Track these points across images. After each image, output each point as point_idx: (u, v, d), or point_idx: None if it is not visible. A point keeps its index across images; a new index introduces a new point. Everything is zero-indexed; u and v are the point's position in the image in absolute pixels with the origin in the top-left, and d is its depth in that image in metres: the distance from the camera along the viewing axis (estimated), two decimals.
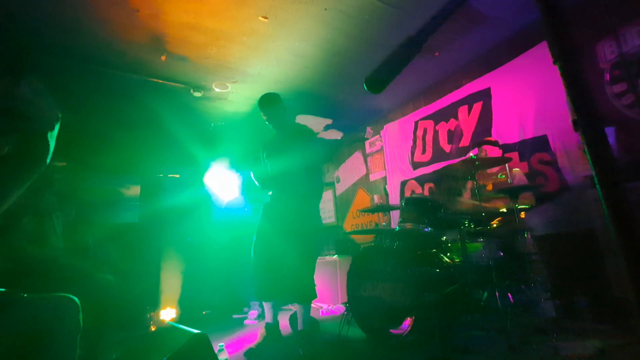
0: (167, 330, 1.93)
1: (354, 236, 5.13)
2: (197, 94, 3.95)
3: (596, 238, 2.33)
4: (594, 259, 2.35)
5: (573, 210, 2.72)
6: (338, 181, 6.03)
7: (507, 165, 2.73)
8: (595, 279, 2.33)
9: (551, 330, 1.91)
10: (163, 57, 3.32)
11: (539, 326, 2.03)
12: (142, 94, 3.87)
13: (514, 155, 3.26)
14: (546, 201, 2.90)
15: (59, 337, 0.88)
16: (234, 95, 4.11)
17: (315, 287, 2.48)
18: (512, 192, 2.31)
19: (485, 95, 3.66)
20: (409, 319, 2.14)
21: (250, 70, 3.65)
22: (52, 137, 0.85)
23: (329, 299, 4.30)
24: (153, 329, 2.81)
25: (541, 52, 3.10)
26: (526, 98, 3.25)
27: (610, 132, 2.49)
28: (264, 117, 2.62)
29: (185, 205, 4.76)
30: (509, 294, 2.10)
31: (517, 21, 3.17)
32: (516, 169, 2.85)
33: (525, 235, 2.33)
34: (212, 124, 4.74)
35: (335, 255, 4.43)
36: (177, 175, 4.92)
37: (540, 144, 3.09)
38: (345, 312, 2.61)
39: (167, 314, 3.95)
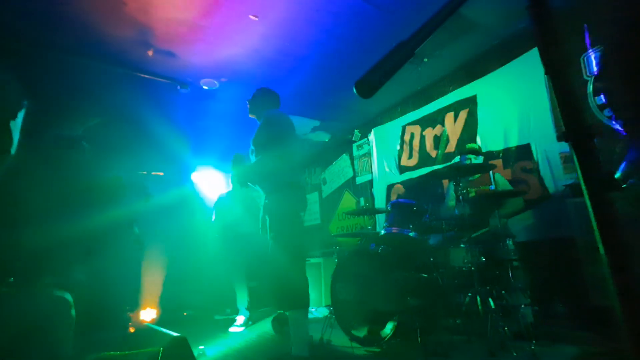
0: (145, 332, 1.88)
1: (339, 239, 5.13)
2: (184, 91, 3.87)
3: (575, 246, 2.39)
4: (572, 266, 2.41)
5: (553, 218, 2.79)
6: (324, 183, 6.02)
7: (491, 172, 2.79)
8: (573, 286, 2.39)
9: (530, 336, 1.95)
10: (150, 52, 3.25)
11: (518, 331, 2.07)
12: (127, 88, 3.77)
13: (498, 163, 3.33)
14: (528, 208, 2.97)
15: (57, 329, 0.86)
16: (223, 93, 4.05)
17: (303, 291, 2.16)
18: (494, 199, 2.35)
19: (471, 103, 3.73)
20: (391, 322, 2.14)
21: (240, 69, 3.61)
22: (15, 126, 0.80)
23: (312, 301, 4.27)
24: (131, 330, 2.72)
25: (526, 62, 3.18)
26: (511, 106, 3.32)
27: None
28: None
29: (169, 204, 4.66)
30: (490, 299, 2.13)
31: (505, 30, 3.23)
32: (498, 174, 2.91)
33: (507, 241, 2.37)
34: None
35: (320, 258, 4.42)
36: (161, 173, 4.80)
37: (523, 152, 3.17)
38: (329, 315, 2.59)
39: (147, 314, 3.85)
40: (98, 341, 2.07)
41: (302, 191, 2.30)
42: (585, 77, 2.74)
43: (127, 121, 4.42)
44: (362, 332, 2.33)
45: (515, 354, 1.81)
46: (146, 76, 3.62)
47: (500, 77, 3.45)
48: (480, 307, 2.09)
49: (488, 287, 2.20)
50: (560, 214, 2.71)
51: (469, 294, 2.19)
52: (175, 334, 1.39)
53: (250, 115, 2.50)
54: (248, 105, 2.48)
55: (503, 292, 2.24)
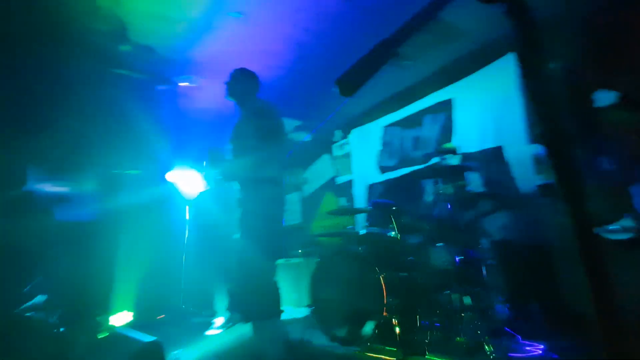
0: (117, 337, 1.80)
1: (319, 239, 5.13)
2: (163, 88, 3.76)
3: (547, 245, 2.49)
4: (544, 265, 2.51)
5: (525, 218, 2.90)
6: (305, 183, 6.00)
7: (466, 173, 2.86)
8: (545, 284, 2.48)
9: (504, 334, 2.01)
10: (125, 47, 3.13)
11: (494, 329, 2.13)
12: (101, 84, 3.61)
13: (474, 164, 3.42)
14: (502, 208, 3.07)
15: None
16: (203, 91, 3.96)
17: (274, 299, 2.02)
18: (471, 199, 2.42)
19: (448, 105, 3.83)
20: (371, 322, 2.16)
21: (220, 67, 3.53)
22: None
23: (293, 302, 4.25)
24: (102, 336, 2.60)
25: (499, 67, 3.29)
26: (485, 110, 3.43)
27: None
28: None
29: (146, 203, 4.50)
30: (467, 298, 2.19)
31: (482, 36, 3.33)
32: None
33: (483, 241, 2.44)
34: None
35: (301, 258, 4.39)
36: (137, 172, 4.64)
37: (497, 154, 3.28)
38: (309, 315, 2.58)
39: (120, 318, 3.70)
40: (65, 348, 1.97)
41: (283, 189, 2.22)
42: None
43: (101, 118, 4.24)
44: (342, 332, 2.33)
45: (490, 351, 1.86)
46: (122, 72, 3.49)
47: (476, 82, 3.55)
48: (457, 306, 2.14)
49: (465, 286, 2.25)
50: (532, 214, 2.82)
51: (447, 293, 2.24)
52: (148, 339, 1.34)
53: (228, 98, 2.32)
54: (227, 87, 2.31)
55: (479, 290, 2.30)
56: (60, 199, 4.15)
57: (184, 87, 3.84)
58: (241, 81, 2.30)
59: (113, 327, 3.50)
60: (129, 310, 4.01)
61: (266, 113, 2.16)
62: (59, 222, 3.93)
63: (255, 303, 1.96)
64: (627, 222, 0.78)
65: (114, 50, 3.14)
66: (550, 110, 0.42)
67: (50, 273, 3.02)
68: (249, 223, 2.07)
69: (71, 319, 3.16)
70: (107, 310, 3.88)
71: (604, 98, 0.86)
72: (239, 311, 2.20)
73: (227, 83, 2.32)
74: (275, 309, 2.02)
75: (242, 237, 2.08)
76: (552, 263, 2.44)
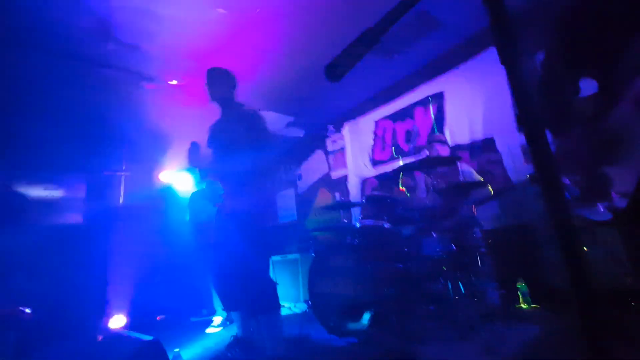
0: (115, 338, 1.80)
1: (315, 234, 5.15)
2: (150, 86, 3.71)
3: (536, 231, 2.54)
4: (534, 251, 2.57)
5: (516, 206, 2.95)
6: (300, 179, 6.01)
7: (458, 164, 2.90)
8: (534, 268, 2.55)
9: (496, 318, 2.06)
10: (110, 44, 3.08)
11: (487, 314, 2.18)
12: (87, 83, 3.56)
13: (465, 155, 3.46)
14: (493, 198, 3.12)
15: None
16: (191, 88, 3.92)
17: (273, 293, 2.06)
18: (462, 190, 2.45)
19: (439, 98, 3.85)
20: (368, 313, 2.19)
21: (208, 63, 3.49)
22: None
23: (290, 297, 4.28)
24: (100, 339, 2.59)
25: (489, 58, 3.32)
26: (475, 101, 3.46)
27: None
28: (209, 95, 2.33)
29: (137, 204, 4.47)
30: (460, 285, 2.23)
31: (469, 28, 3.36)
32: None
33: (475, 229, 2.48)
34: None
35: (297, 253, 4.42)
36: (128, 173, 4.60)
37: (488, 144, 3.32)
38: (307, 310, 2.61)
39: (117, 321, 3.69)
40: (63, 352, 1.96)
41: (269, 189, 2.25)
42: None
43: (88, 118, 4.18)
44: (340, 324, 2.36)
45: (483, 335, 1.90)
46: (107, 70, 3.44)
47: (466, 73, 3.58)
48: (451, 293, 2.18)
49: (458, 274, 2.30)
50: (522, 202, 2.87)
51: (441, 281, 2.28)
52: (147, 338, 1.35)
53: (212, 102, 2.31)
54: (208, 91, 2.30)
55: (472, 277, 2.35)
56: (47, 203, 4.11)
57: (173, 85, 3.80)
58: (219, 81, 2.30)
59: (111, 329, 3.50)
60: (125, 313, 4.00)
61: (249, 114, 2.20)
62: (48, 227, 3.89)
63: (253, 300, 1.99)
64: (604, 203, 0.81)
65: (97, 49, 3.09)
66: (528, 99, 0.44)
67: (41, 279, 3.00)
68: (239, 223, 2.07)
69: (68, 323, 3.15)
70: (104, 313, 3.87)
71: (583, 86, 0.89)
72: (237, 309, 2.21)
73: (207, 85, 2.30)
74: (274, 304, 2.06)
75: (233, 237, 2.07)
76: (539, 247, 2.50)
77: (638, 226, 0.83)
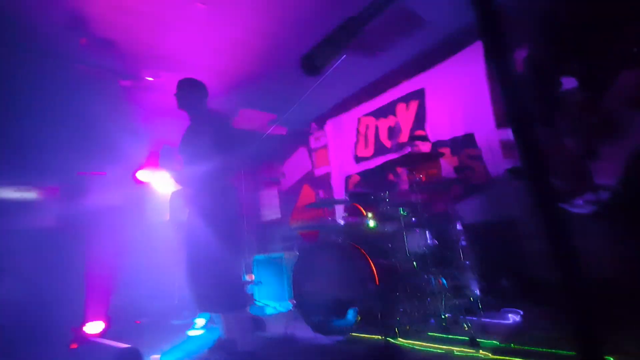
0: (90, 347, 1.72)
1: (300, 231, 5.13)
2: (126, 83, 3.58)
3: (515, 224, 2.61)
4: (513, 243, 2.64)
5: (496, 200, 3.02)
6: (283, 176, 5.96)
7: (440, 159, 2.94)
8: (514, 261, 2.62)
9: (478, 310, 2.10)
10: (83, 40, 2.94)
11: (469, 307, 2.22)
12: (60, 80, 3.39)
13: (446, 151, 3.52)
14: (474, 192, 3.19)
15: None
16: (169, 85, 3.80)
17: (241, 291, 2.17)
18: (443, 184, 2.48)
19: (420, 95, 3.89)
20: (353, 310, 2.19)
21: (187, 59, 3.41)
22: None
23: (275, 296, 4.24)
24: (74, 347, 2.48)
25: (469, 56, 3.37)
26: (456, 98, 3.52)
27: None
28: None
29: (114, 205, 4.31)
30: (443, 279, 2.26)
31: (450, 25, 3.39)
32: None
33: (456, 224, 2.52)
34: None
35: (281, 252, 4.38)
36: (104, 173, 4.42)
37: (468, 140, 3.38)
38: (292, 309, 2.59)
39: (93, 327, 3.55)
40: None
41: (236, 193, 2.31)
42: None
43: (60, 117, 3.99)
44: (325, 323, 2.35)
45: (466, 328, 1.93)
46: (82, 66, 3.29)
47: (446, 70, 3.63)
48: (434, 287, 2.21)
49: (441, 268, 2.33)
50: (501, 196, 2.94)
51: (424, 276, 2.30)
52: (124, 346, 1.28)
53: (181, 109, 2.35)
54: (176, 99, 2.34)
55: (454, 271, 2.38)
56: (19, 205, 3.90)
57: (150, 81, 3.67)
58: (188, 92, 2.33)
59: (87, 336, 3.36)
60: (104, 317, 3.85)
61: (218, 122, 2.23)
62: (19, 230, 3.69)
63: (223, 298, 2.05)
64: (589, 196, 0.83)
65: (69, 44, 2.94)
66: (515, 92, 0.43)
67: (11, 284, 2.84)
68: (207, 227, 2.13)
69: (40, 330, 3.00)
70: (81, 319, 3.71)
71: (566, 82, 0.91)
72: (210, 310, 2.24)
73: (176, 95, 2.33)
74: (241, 301, 2.17)
75: (202, 241, 2.12)
76: (519, 240, 2.57)
77: (621, 218, 0.85)
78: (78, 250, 4.02)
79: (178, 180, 2.36)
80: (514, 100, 0.43)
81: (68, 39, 2.88)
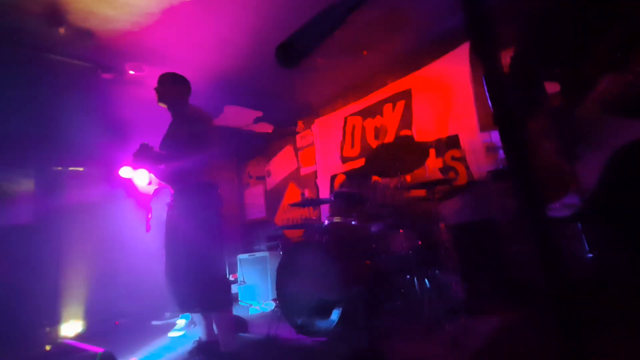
0: (64, 349, 1.65)
1: (284, 231, 5.09)
2: (107, 76, 3.46)
3: (496, 226, 2.66)
4: (494, 245, 2.69)
5: (478, 202, 3.07)
6: (269, 175, 5.91)
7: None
8: (495, 262, 2.67)
9: (461, 311, 2.13)
10: (61, 30, 2.82)
11: (451, 307, 2.25)
12: (36, 72, 3.24)
13: (431, 152, 3.56)
14: (457, 193, 3.23)
15: None
16: (152, 79, 3.69)
17: (222, 289, 2.09)
18: (428, 185, 2.51)
19: (406, 95, 3.92)
20: (337, 311, 2.18)
21: (171, 54, 3.32)
22: None
23: (259, 296, 4.20)
24: (48, 349, 2.37)
25: (455, 58, 3.41)
26: (441, 100, 3.56)
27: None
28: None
29: (92, 202, 4.17)
30: (426, 280, 2.28)
31: (437, 26, 3.42)
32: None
33: (439, 225, 2.55)
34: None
35: (266, 252, 4.34)
36: (81, 169, 4.27)
37: (452, 142, 3.43)
38: (275, 309, 2.56)
39: (70, 328, 3.43)
40: None
41: (217, 191, 2.25)
42: None
43: (36, 109, 3.82)
44: (308, 323, 2.34)
45: (449, 329, 1.96)
46: (59, 57, 3.15)
47: (432, 72, 3.67)
48: (417, 288, 2.23)
49: (424, 269, 2.35)
50: (484, 198, 2.99)
51: (408, 277, 2.32)
52: (99, 350, 1.23)
53: (160, 104, 2.26)
54: (156, 93, 2.24)
55: (437, 272, 2.41)
56: None
57: (132, 74, 3.56)
58: (170, 87, 2.24)
59: (62, 338, 3.24)
60: (80, 319, 3.72)
61: (197, 119, 2.15)
62: None
63: (206, 297, 2.00)
64: (567, 200, 0.84)
65: (47, 35, 2.82)
66: (502, 94, 0.43)
67: None
68: (188, 225, 2.08)
69: (13, 332, 2.87)
70: (56, 320, 3.58)
71: (549, 85, 0.92)
72: (189, 309, 2.19)
73: (156, 89, 2.23)
74: (231, 299, 2.12)
75: (182, 239, 2.08)
76: (500, 241, 2.62)
77: (598, 221, 0.86)
78: (53, 247, 3.87)
79: (160, 177, 2.29)
80: (501, 101, 0.43)
81: (45, 28, 2.75)
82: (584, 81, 0.82)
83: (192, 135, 2.07)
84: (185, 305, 2.11)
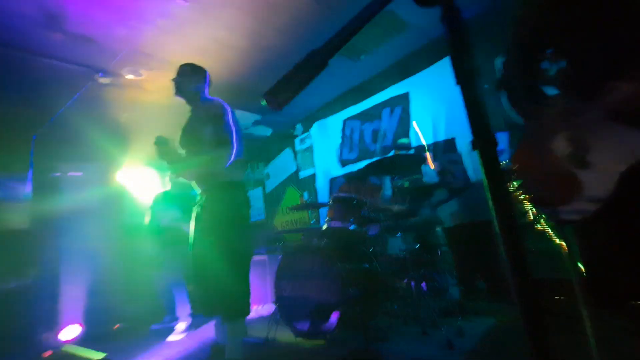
0: (63, 355, 1.66)
1: (283, 235, 5.10)
2: (104, 80, 3.47)
3: (492, 229, 2.68)
4: (490, 248, 2.71)
5: (475, 204, 3.09)
6: (268, 178, 5.93)
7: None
8: (491, 264, 2.69)
9: (457, 313, 2.14)
10: (58, 35, 2.84)
11: (447, 309, 2.27)
12: (33, 76, 3.26)
13: (428, 155, 3.57)
14: (454, 196, 3.25)
15: None
16: (150, 83, 3.72)
17: (245, 298, 1.99)
18: (425, 189, 2.52)
19: (404, 99, 3.95)
20: (335, 314, 2.19)
21: (169, 57, 3.33)
22: None
23: (258, 300, 4.20)
24: (47, 355, 2.38)
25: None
26: (439, 103, 3.58)
27: (503, 136, 2.89)
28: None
29: (90, 207, 4.18)
30: (423, 282, 2.30)
31: (434, 30, 3.45)
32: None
33: (437, 228, 2.57)
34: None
35: (265, 255, 4.35)
36: (80, 174, 4.28)
37: (449, 145, 3.45)
38: (274, 312, 2.57)
39: (68, 333, 3.43)
40: None
41: (245, 191, 2.14)
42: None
43: (34, 115, 3.84)
44: (306, 327, 2.35)
45: (444, 330, 1.97)
46: (57, 62, 3.17)
47: (430, 76, 3.70)
48: (413, 291, 2.24)
49: (421, 272, 2.36)
50: (480, 200, 3.01)
51: (405, 279, 2.33)
52: (98, 355, 1.24)
53: (177, 96, 2.16)
54: (175, 84, 2.14)
55: (434, 274, 2.42)
56: None
57: (130, 79, 3.58)
58: (189, 78, 2.13)
59: (60, 344, 3.24)
60: (79, 323, 3.73)
61: (220, 113, 2.03)
62: None
63: (233, 306, 1.92)
64: (575, 205, 0.83)
65: (44, 39, 2.83)
66: (481, 112, 0.45)
67: None
68: (215, 226, 1.97)
69: (12, 337, 2.88)
70: (54, 325, 3.58)
71: (548, 90, 0.93)
72: (208, 314, 2.11)
73: (175, 80, 2.14)
74: (248, 309, 2.00)
75: (208, 240, 1.97)
76: (493, 244, 2.65)
77: (609, 231, 0.86)
78: (52, 252, 3.88)
79: (179, 174, 2.16)
80: (479, 119, 0.45)
81: (42, 33, 2.77)
82: (589, 85, 0.80)
83: (216, 128, 1.96)
84: (208, 310, 2.02)
